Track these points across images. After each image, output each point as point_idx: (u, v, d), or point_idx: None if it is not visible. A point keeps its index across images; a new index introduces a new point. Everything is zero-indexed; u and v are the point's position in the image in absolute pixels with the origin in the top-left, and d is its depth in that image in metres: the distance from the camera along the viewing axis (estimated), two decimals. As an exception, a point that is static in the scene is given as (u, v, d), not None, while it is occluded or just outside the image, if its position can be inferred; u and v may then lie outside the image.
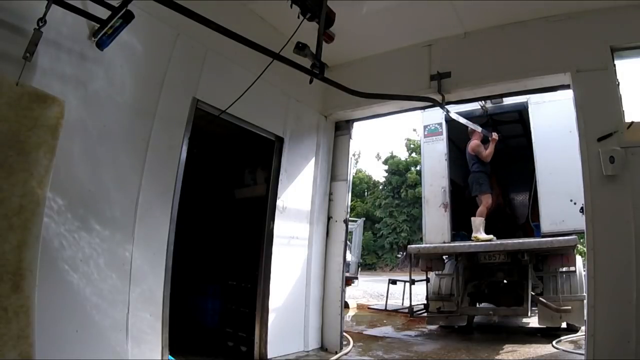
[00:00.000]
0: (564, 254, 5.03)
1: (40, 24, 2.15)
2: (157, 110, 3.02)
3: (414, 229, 22.42)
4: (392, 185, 24.95)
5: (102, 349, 2.55)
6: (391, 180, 25.19)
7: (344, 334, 4.90)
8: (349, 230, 6.70)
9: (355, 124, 5.17)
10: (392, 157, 26.02)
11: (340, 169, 5.03)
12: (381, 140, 53.92)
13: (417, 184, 21.24)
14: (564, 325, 5.09)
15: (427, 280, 6.11)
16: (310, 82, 2.92)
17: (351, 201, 7.29)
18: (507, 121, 6.81)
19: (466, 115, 5.99)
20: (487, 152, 5.94)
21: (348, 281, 8.29)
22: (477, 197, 6.03)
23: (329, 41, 2.88)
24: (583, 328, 4.32)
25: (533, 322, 5.86)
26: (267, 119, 4.14)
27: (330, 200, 4.94)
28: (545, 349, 4.60)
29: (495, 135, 5.97)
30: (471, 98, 4.56)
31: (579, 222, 3.95)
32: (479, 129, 5.92)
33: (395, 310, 7.98)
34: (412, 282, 6.82)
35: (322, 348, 4.59)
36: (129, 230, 2.78)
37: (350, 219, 5.22)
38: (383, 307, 8.31)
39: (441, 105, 4.26)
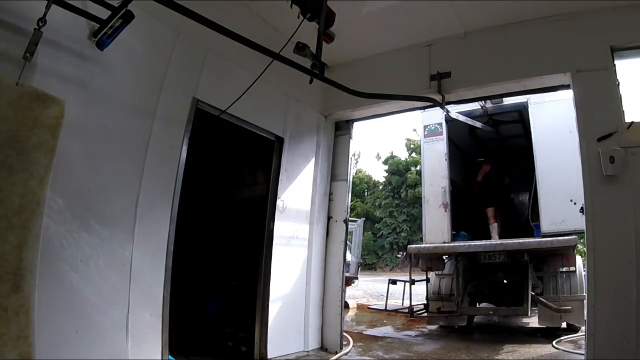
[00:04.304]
0: (564, 254, 5.03)
1: (40, 24, 2.16)
2: (157, 110, 3.02)
3: (414, 229, 22.41)
4: (392, 185, 24.93)
5: (102, 349, 2.55)
6: (391, 180, 25.17)
7: (344, 334, 4.90)
8: (349, 230, 6.70)
9: (355, 124, 5.17)
10: (392, 157, 26.00)
11: (340, 169, 5.03)
12: (381, 140, 53.93)
13: (417, 184, 21.22)
14: (564, 325, 5.09)
15: (427, 280, 6.11)
16: (310, 82, 2.92)
17: (351, 201, 7.29)
18: (507, 121, 6.82)
19: (466, 115, 6.03)
20: None
21: (348, 281, 8.29)
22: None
23: (329, 41, 2.88)
24: (583, 328, 4.31)
25: (533, 322, 5.86)
26: (267, 119, 4.14)
27: (330, 200, 4.94)
28: (545, 349, 4.60)
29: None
30: (471, 98, 4.55)
31: (579, 222, 3.94)
32: (479, 125, 6.02)
33: (395, 310, 7.98)
34: (412, 282, 6.83)
35: (322, 348, 4.59)
36: (129, 230, 2.78)
37: (350, 219, 5.21)
38: (383, 307, 8.31)
39: (441, 105, 4.26)
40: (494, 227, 6.23)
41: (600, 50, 3.50)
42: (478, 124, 6.33)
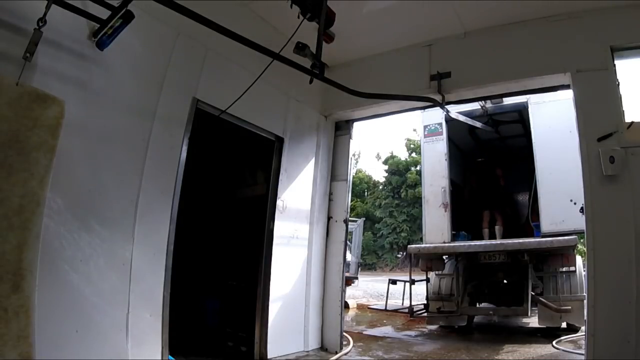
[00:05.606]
0: (564, 254, 5.03)
1: (40, 24, 2.16)
2: (157, 111, 3.02)
3: (414, 229, 22.41)
4: (392, 185, 24.93)
5: (102, 349, 2.55)
6: (391, 180, 25.16)
7: (344, 334, 4.90)
8: (349, 230, 6.70)
9: (355, 124, 5.17)
10: (392, 157, 25.99)
11: (340, 169, 5.02)
12: (381, 140, 53.89)
13: (417, 184, 21.22)
14: (564, 325, 5.09)
15: (427, 280, 6.11)
16: (310, 82, 2.92)
17: (351, 201, 7.30)
18: (507, 121, 6.83)
19: (466, 115, 6.04)
20: None
21: (348, 281, 8.29)
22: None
23: (329, 41, 2.88)
24: (583, 328, 4.31)
25: (533, 322, 5.86)
26: (267, 119, 4.14)
27: (330, 200, 4.94)
28: (545, 349, 4.59)
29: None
30: (471, 98, 4.55)
31: (579, 222, 3.94)
32: (479, 125, 6.07)
33: (395, 310, 7.98)
34: (412, 282, 6.83)
35: (322, 348, 4.59)
36: (129, 230, 2.78)
37: (350, 219, 5.21)
38: (383, 307, 8.31)
39: (441, 105, 4.26)
40: (486, 233, 6.35)
41: (600, 50, 3.50)
42: (478, 124, 6.34)
